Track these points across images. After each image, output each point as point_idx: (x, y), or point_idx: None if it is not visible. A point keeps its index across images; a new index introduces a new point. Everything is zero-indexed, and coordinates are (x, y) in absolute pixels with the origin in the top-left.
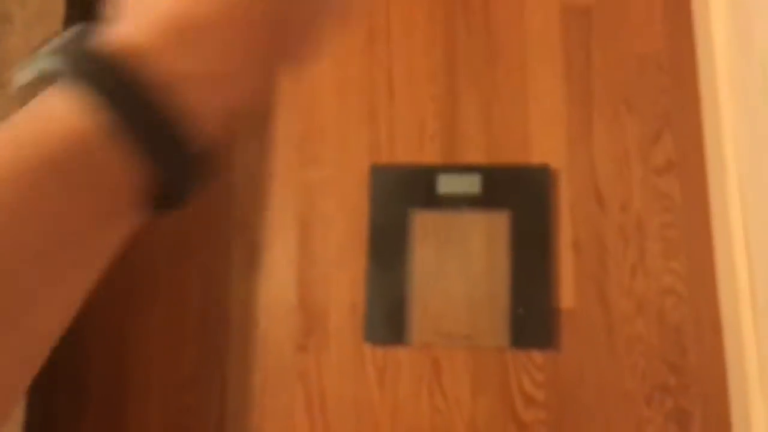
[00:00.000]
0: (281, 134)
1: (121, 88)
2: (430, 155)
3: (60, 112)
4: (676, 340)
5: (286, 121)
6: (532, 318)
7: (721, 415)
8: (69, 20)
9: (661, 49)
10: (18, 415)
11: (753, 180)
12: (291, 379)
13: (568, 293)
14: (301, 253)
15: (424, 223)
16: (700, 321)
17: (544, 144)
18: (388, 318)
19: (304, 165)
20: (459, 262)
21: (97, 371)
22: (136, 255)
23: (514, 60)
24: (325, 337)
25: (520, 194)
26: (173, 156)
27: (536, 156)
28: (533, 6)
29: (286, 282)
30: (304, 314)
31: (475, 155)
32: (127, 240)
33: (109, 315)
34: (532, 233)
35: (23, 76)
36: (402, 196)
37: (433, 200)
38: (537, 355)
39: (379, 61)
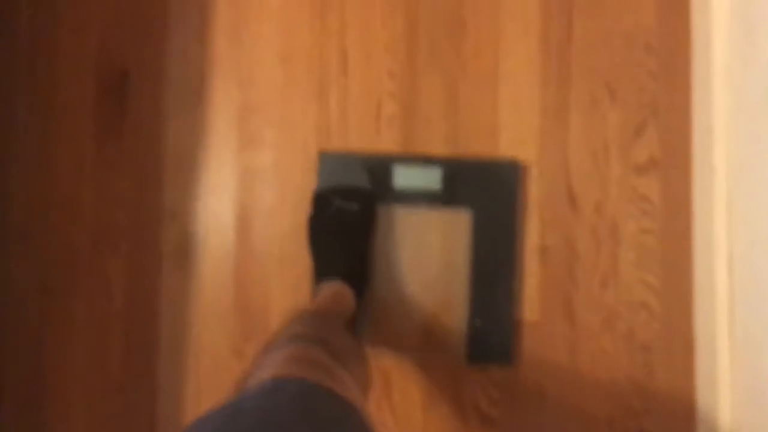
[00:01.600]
0: (217, 110)
1: None
2: (386, 141)
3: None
4: (644, 360)
5: (222, 95)
6: (491, 331)
7: None
8: None
9: (651, 26)
10: None
11: (743, 186)
12: (227, 386)
13: (531, 304)
14: (239, 246)
15: (375, 218)
16: (672, 340)
17: (513, 132)
18: None
19: (243, 147)
20: (413, 265)
21: (12, 376)
22: (52, 244)
23: (485, 32)
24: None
25: (484, 191)
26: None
27: (504, 146)
28: None
29: (221, 279)
30: (242, 316)
31: (437, 144)
32: None
33: (24, 312)
34: (496, 235)
35: None
36: None
37: (388, 194)
38: (494, 371)
39: (330, 29)
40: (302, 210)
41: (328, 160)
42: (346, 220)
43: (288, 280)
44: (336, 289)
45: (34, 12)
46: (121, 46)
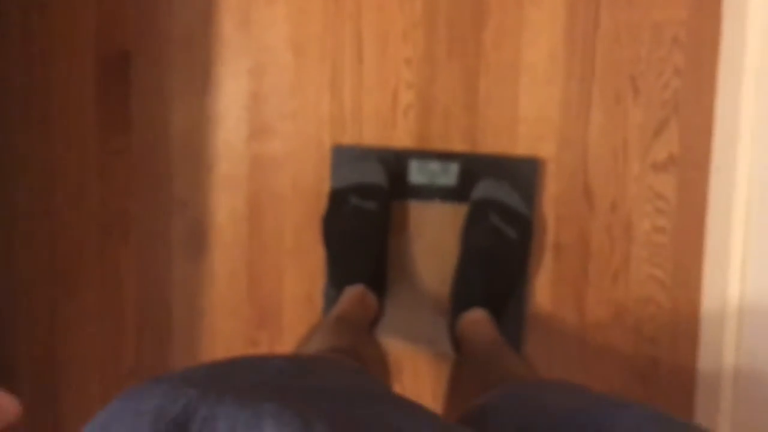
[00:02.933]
0: (225, 97)
1: None
2: (401, 132)
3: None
4: (650, 353)
5: (230, 81)
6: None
7: None
8: None
9: (682, 18)
10: None
11: (764, 192)
12: None
13: (543, 297)
14: (251, 236)
15: (391, 214)
16: (677, 335)
17: (532, 127)
18: None
19: (254, 136)
20: (428, 260)
21: (25, 365)
22: (59, 234)
23: (507, 21)
24: (278, 332)
25: None
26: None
27: (523, 140)
28: None
29: (234, 268)
30: (255, 305)
31: (454, 137)
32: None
33: (34, 302)
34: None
35: None
36: None
37: (403, 190)
38: None
39: (345, 12)
40: (315, 201)
41: (342, 154)
42: (364, 219)
43: (301, 270)
44: (360, 295)
45: None
46: (121, 27)
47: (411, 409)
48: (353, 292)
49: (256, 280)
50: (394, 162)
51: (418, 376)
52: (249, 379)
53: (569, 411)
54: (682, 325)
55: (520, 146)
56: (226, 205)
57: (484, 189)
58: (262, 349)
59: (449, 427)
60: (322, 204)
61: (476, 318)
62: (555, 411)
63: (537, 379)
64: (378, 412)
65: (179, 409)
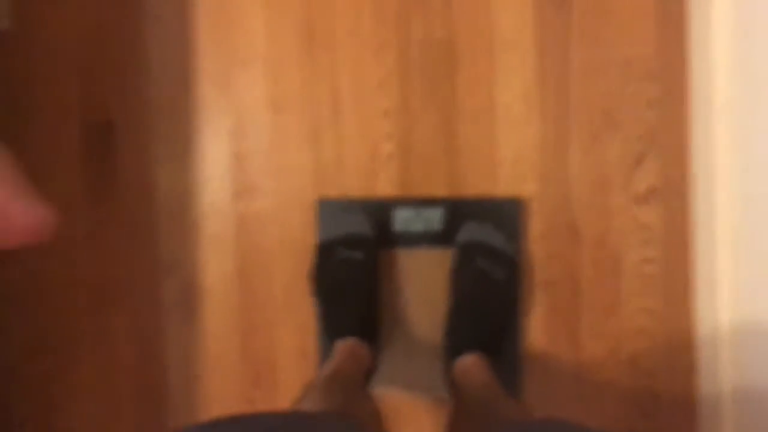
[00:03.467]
0: (208, 159)
1: None
2: (384, 183)
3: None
4: (648, 385)
5: (213, 143)
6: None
7: None
8: None
9: (650, 53)
10: None
11: (746, 214)
12: None
13: (537, 337)
14: (242, 294)
15: (379, 263)
16: (674, 364)
17: (512, 168)
18: None
19: (238, 195)
20: (419, 306)
21: None
22: (51, 307)
23: (479, 66)
24: (274, 389)
25: None
26: None
27: (504, 182)
28: None
29: (227, 328)
30: (250, 363)
31: (436, 182)
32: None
33: (32, 379)
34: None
35: None
36: None
37: (389, 238)
38: None
39: (321, 68)
40: (303, 255)
41: (327, 207)
42: (352, 270)
43: (293, 325)
44: (351, 348)
45: (7, 62)
46: (102, 97)
47: None
48: (344, 346)
49: (249, 337)
50: (379, 211)
51: (417, 423)
52: None
53: None
54: (679, 354)
55: (502, 187)
56: (215, 265)
57: (468, 232)
58: (259, 407)
59: None
60: (310, 258)
61: (469, 363)
62: None
63: (532, 421)
64: None
65: None
